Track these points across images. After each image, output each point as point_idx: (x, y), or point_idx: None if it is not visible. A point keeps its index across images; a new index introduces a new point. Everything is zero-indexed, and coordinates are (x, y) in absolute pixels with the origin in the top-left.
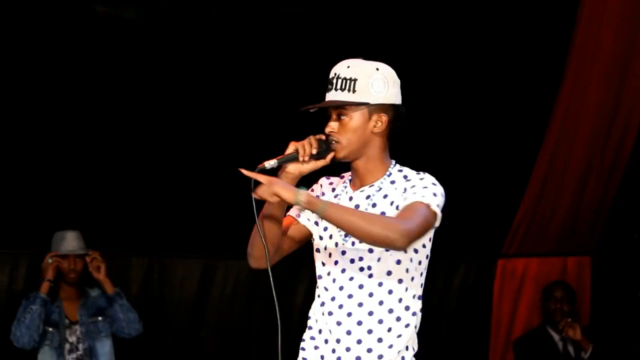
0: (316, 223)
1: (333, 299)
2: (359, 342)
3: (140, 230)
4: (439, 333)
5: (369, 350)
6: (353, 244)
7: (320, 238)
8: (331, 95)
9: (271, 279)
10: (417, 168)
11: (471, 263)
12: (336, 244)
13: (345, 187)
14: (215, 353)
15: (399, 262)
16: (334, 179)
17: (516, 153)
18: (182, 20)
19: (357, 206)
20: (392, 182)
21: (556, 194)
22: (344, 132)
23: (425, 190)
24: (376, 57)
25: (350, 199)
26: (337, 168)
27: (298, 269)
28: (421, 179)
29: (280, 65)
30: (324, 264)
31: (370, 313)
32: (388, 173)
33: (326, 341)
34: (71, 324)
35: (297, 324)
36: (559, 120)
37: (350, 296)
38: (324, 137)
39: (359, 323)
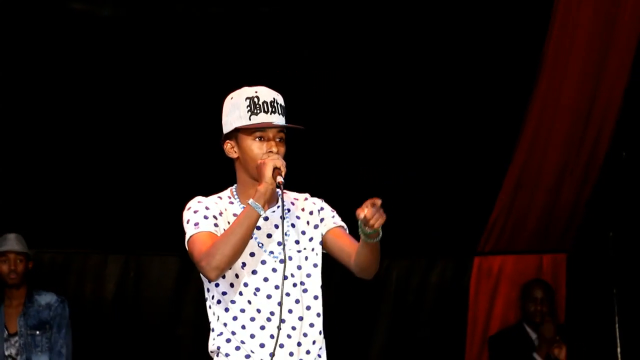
0: None
1: (259, 311)
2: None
3: (116, 228)
4: (416, 330)
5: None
6: (271, 252)
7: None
8: (279, 119)
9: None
10: (396, 167)
11: (448, 261)
12: (252, 254)
13: (243, 207)
14: (192, 351)
15: (315, 265)
16: (212, 199)
17: (492, 151)
18: (160, 18)
19: (276, 226)
20: (292, 203)
21: (532, 193)
22: (282, 155)
23: (335, 214)
24: (354, 55)
25: (266, 219)
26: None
27: None
28: (321, 201)
29: (261, 64)
30: (237, 276)
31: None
32: (279, 194)
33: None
34: (9, 336)
35: None
36: (534, 119)
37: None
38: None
39: (300, 318)
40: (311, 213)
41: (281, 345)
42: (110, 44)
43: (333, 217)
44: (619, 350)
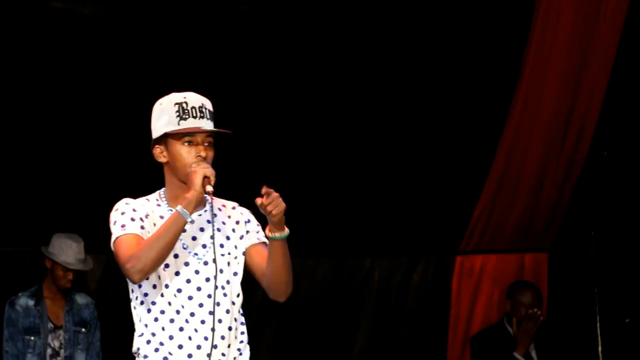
0: None
1: (178, 312)
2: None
3: (96, 227)
4: (398, 329)
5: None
6: (195, 255)
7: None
8: (207, 124)
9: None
10: (378, 165)
11: (430, 260)
12: (176, 255)
13: (171, 210)
14: None
15: (236, 273)
16: (139, 201)
17: (474, 151)
18: (140, 17)
19: (201, 229)
20: (219, 209)
21: (513, 192)
22: (209, 162)
23: (260, 229)
24: (336, 54)
25: (192, 222)
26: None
27: None
28: (249, 212)
29: (242, 62)
30: (159, 277)
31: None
32: (207, 200)
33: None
34: (55, 328)
35: (258, 321)
36: (516, 119)
37: (201, 305)
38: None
39: (220, 321)
40: (237, 222)
41: (198, 347)
42: (90, 43)
43: (258, 232)
44: (600, 349)
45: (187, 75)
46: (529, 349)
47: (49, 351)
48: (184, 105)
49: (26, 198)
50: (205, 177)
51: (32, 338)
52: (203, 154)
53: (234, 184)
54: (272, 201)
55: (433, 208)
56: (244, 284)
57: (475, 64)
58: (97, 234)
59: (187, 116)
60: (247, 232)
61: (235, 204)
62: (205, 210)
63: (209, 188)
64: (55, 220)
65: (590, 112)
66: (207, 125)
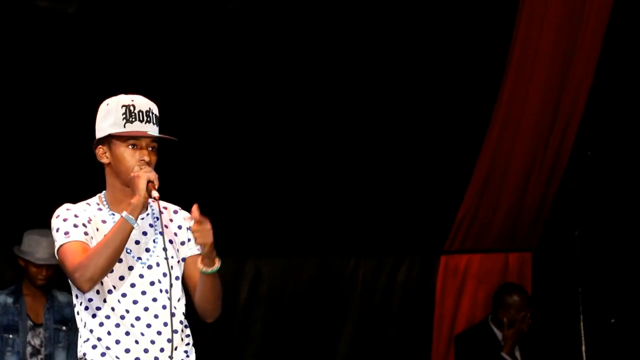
0: None
1: (123, 317)
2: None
3: None
4: (382, 329)
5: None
6: (139, 259)
7: None
8: (153, 129)
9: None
10: (363, 165)
11: (414, 259)
12: (119, 260)
13: (113, 215)
14: None
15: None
16: (80, 206)
17: (458, 150)
18: (125, 15)
19: (144, 233)
20: (161, 212)
21: (498, 192)
22: (152, 166)
23: None
24: (325, 53)
25: (136, 220)
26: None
27: (241, 266)
28: (186, 217)
29: (232, 62)
30: (102, 283)
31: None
32: (150, 203)
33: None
34: (35, 326)
35: (243, 321)
36: (500, 118)
37: (146, 309)
38: None
39: (165, 324)
40: (180, 227)
41: (146, 350)
42: (76, 42)
43: (189, 233)
44: (583, 348)
45: (173, 74)
46: (512, 349)
47: (28, 349)
48: (131, 108)
49: (17, 198)
50: (150, 182)
51: (11, 336)
52: (147, 158)
53: (220, 183)
54: (200, 230)
55: (417, 208)
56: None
57: (459, 63)
58: None
59: (133, 119)
60: (189, 239)
61: (177, 208)
62: (148, 214)
63: (155, 193)
64: (31, 217)
65: (575, 112)
66: (153, 130)
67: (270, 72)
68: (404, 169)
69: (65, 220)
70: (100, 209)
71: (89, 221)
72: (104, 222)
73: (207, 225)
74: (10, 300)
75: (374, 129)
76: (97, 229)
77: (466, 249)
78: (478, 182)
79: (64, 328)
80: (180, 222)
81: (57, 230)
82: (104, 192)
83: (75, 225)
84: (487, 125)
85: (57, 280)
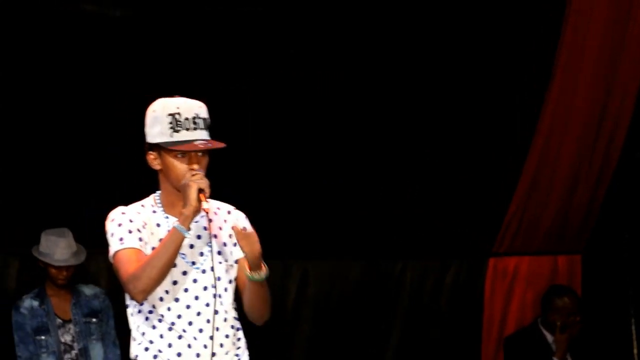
0: (153, 249)
1: (176, 322)
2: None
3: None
4: (430, 332)
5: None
6: (193, 263)
7: None
8: (201, 134)
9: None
10: (411, 167)
11: (462, 262)
12: (174, 265)
13: (167, 218)
14: None
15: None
16: (134, 209)
17: (506, 152)
18: (170, 18)
19: (199, 237)
20: (215, 213)
21: (546, 193)
22: (203, 172)
23: None
24: (361, 55)
25: (189, 229)
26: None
27: (288, 268)
28: (245, 218)
29: (266, 61)
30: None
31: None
32: (203, 204)
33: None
34: (64, 322)
35: (290, 322)
36: (548, 120)
37: (199, 313)
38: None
39: (217, 329)
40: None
41: (197, 355)
42: (120, 45)
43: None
44: (635, 351)
45: (210, 76)
46: (565, 355)
47: (61, 347)
48: (177, 116)
49: (24, 197)
50: (200, 191)
51: (43, 337)
52: (196, 166)
53: (268, 185)
54: (246, 241)
55: (465, 210)
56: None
57: (508, 65)
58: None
59: (180, 128)
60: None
61: (230, 208)
62: (202, 216)
63: (206, 205)
64: (83, 221)
65: (623, 113)
66: (201, 135)
67: (299, 73)
68: (452, 172)
69: (120, 225)
70: (154, 212)
71: (144, 225)
72: (158, 225)
73: (253, 237)
74: (36, 303)
75: (424, 131)
76: (152, 233)
77: (515, 251)
78: (526, 183)
79: (94, 320)
80: (234, 222)
81: (112, 235)
82: (158, 192)
83: (130, 231)
84: (535, 126)
85: (82, 273)
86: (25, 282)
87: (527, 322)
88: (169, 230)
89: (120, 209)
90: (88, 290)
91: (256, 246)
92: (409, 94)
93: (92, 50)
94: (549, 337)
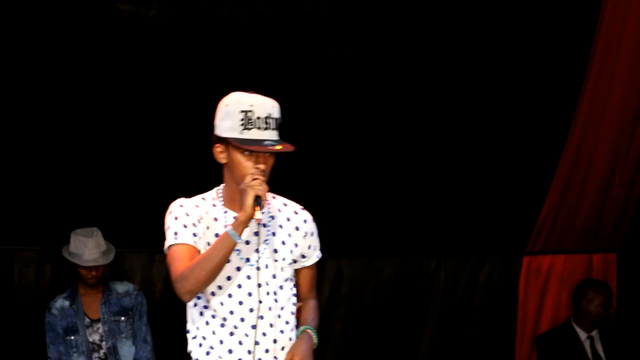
0: (208, 244)
1: (229, 318)
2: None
3: (140, 223)
4: (464, 330)
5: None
6: (247, 260)
7: None
8: (271, 135)
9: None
10: (445, 165)
11: (496, 260)
12: (228, 260)
13: (226, 212)
14: None
15: (287, 279)
16: (195, 201)
17: (540, 150)
18: (205, 18)
19: (256, 233)
20: (279, 210)
21: (580, 192)
22: (267, 172)
23: (318, 243)
24: (401, 55)
25: (240, 235)
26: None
27: (322, 267)
28: (312, 220)
29: (307, 64)
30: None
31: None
32: (268, 200)
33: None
34: (92, 322)
35: (324, 321)
36: (582, 118)
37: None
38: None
39: (271, 325)
40: (297, 229)
41: (249, 352)
42: (155, 45)
43: (315, 249)
44: None
45: (249, 75)
46: (597, 349)
47: (90, 346)
48: (250, 114)
49: (79, 198)
50: (257, 198)
51: (73, 337)
52: (262, 166)
53: (301, 184)
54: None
55: (500, 208)
56: None
57: (542, 64)
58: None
59: (251, 126)
60: (309, 247)
61: (298, 208)
62: (263, 212)
63: (259, 215)
64: (118, 220)
65: None
66: (271, 135)
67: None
68: (485, 170)
69: (176, 218)
70: (214, 205)
71: (200, 220)
72: (215, 219)
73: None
74: (67, 303)
75: (459, 129)
76: (208, 227)
77: (549, 250)
78: (560, 182)
79: (122, 319)
80: (299, 223)
81: (168, 228)
82: (222, 186)
83: (185, 226)
84: (570, 124)
85: (117, 270)
86: (60, 281)
87: (562, 320)
88: (225, 226)
89: (179, 201)
90: (121, 287)
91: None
92: (446, 92)
93: (127, 50)
94: (582, 335)
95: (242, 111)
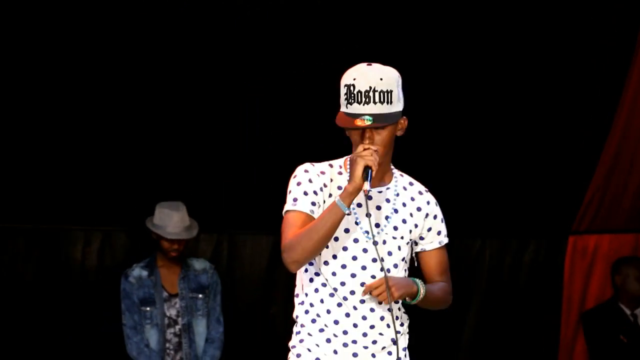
0: None
1: (340, 288)
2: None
3: (209, 206)
4: (510, 310)
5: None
6: (367, 232)
7: None
8: (373, 109)
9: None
10: (491, 146)
11: (541, 240)
12: (347, 230)
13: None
14: (285, 330)
15: (404, 259)
16: (321, 167)
17: (588, 129)
18: (192, 8)
19: (378, 207)
20: (404, 188)
21: (627, 171)
22: (381, 145)
23: (444, 228)
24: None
25: (370, 198)
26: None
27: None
28: (435, 203)
29: (312, 55)
30: (327, 247)
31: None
32: (395, 176)
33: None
34: (170, 297)
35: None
36: (630, 97)
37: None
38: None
39: (380, 302)
40: (419, 209)
41: (355, 325)
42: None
43: (439, 233)
44: None
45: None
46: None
47: (165, 320)
48: (352, 88)
49: (128, 177)
50: (367, 168)
51: (148, 309)
52: (367, 141)
53: None
54: (379, 295)
55: (546, 188)
56: None
57: (589, 46)
58: (209, 213)
59: (352, 100)
60: (429, 229)
61: (423, 189)
62: (388, 188)
63: (366, 186)
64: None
65: None
66: (373, 109)
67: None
68: (532, 150)
69: (299, 184)
70: (340, 173)
71: (322, 187)
72: (339, 188)
73: (380, 290)
74: (145, 273)
75: (505, 110)
76: (331, 195)
77: (595, 230)
78: (607, 162)
79: (200, 296)
80: (422, 204)
81: (290, 192)
82: (351, 155)
83: (306, 193)
84: (617, 104)
85: (193, 249)
86: (133, 255)
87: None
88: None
89: (305, 165)
90: (198, 264)
91: (394, 294)
92: (497, 82)
93: (141, 39)
94: (627, 311)
95: (346, 85)
